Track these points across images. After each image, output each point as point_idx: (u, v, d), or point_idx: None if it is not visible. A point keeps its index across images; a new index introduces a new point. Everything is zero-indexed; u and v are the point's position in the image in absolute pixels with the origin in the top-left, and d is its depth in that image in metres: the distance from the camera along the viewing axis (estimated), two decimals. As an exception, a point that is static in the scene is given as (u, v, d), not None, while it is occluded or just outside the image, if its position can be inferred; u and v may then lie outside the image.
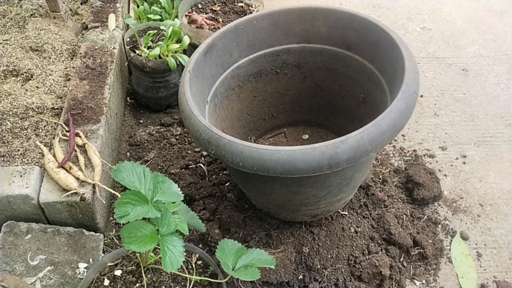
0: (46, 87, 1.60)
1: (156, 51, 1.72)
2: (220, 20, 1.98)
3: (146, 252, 1.18)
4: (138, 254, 1.22)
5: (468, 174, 1.72)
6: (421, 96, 2.04)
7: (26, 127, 1.47)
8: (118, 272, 1.25)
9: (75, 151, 1.37)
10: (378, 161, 1.70)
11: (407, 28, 2.45)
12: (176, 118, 1.88)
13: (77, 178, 1.30)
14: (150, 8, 2.02)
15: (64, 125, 1.44)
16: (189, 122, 1.15)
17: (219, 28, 1.87)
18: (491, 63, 2.22)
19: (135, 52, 1.76)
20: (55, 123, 1.49)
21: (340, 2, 2.64)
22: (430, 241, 1.47)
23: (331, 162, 1.01)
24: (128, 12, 2.12)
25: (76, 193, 1.27)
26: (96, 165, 1.35)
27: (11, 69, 1.64)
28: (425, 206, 1.59)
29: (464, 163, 1.76)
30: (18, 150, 1.40)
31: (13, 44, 1.73)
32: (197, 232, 1.46)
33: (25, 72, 1.63)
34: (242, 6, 2.07)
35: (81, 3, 2.04)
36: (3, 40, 1.74)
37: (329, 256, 1.37)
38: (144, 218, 1.05)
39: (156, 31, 1.86)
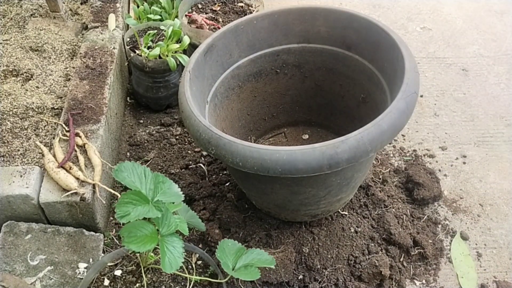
0: (46, 87, 1.60)
1: (156, 51, 1.72)
2: (220, 20, 1.98)
3: (146, 252, 1.18)
4: (138, 254, 1.23)
5: (468, 174, 1.72)
6: (421, 96, 2.04)
7: (26, 127, 1.47)
8: (118, 272, 1.25)
9: (75, 151, 1.37)
10: (378, 161, 1.70)
11: (407, 28, 2.45)
12: (176, 118, 1.88)
13: (77, 178, 1.30)
14: (150, 8, 2.02)
15: (64, 125, 1.44)
16: (189, 122, 1.15)
17: (219, 28, 1.87)
18: (491, 63, 2.22)
19: (135, 52, 1.76)
20: (55, 123, 1.49)
21: (340, 2, 2.64)
22: (430, 241, 1.47)
23: (331, 162, 1.01)
24: (128, 12, 2.12)
25: (76, 193, 1.27)
26: (96, 165, 1.35)
27: (11, 69, 1.64)
28: (425, 206, 1.59)
29: (464, 163, 1.76)
30: (18, 150, 1.40)
31: (13, 44, 1.73)
32: (197, 232, 1.46)
33: (25, 72, 1.63)
34: (242, 6, 2.07)
35: (81, 3, 2.04)
36: (3, 40, 1.74)
37: (329, 256, 1.37)
38: (144, 218, 1.05)
39: (156, 31, 1.86)
